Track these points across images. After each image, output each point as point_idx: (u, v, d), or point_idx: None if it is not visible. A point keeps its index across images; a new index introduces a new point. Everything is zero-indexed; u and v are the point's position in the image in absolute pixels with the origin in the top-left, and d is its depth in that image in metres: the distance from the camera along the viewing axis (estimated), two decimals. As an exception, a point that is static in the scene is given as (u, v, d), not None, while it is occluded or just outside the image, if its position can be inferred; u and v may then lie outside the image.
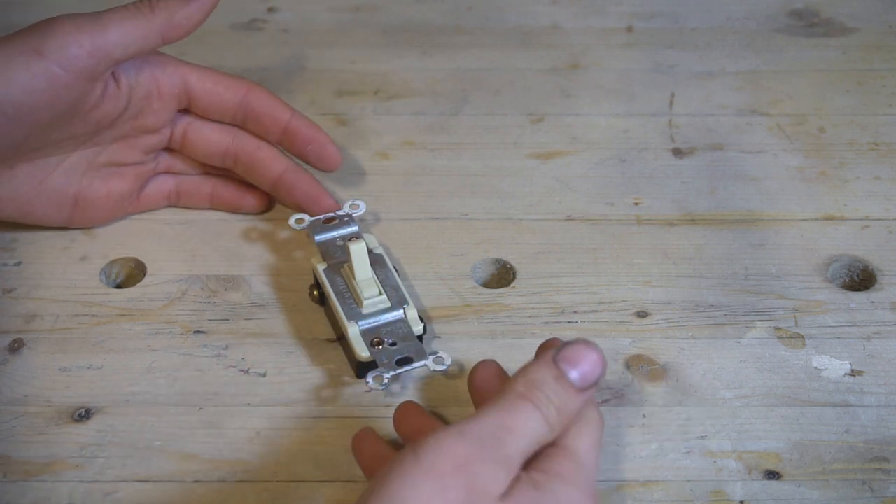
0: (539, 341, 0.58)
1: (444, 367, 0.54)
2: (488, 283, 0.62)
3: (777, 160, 0.69)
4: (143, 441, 0.54)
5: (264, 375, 0.57)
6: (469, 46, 0.78)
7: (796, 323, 0.59)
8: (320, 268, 0.58)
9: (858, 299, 0.61)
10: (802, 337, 0.59)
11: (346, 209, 0.61)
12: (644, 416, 0.55)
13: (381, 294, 0.57)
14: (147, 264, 0.62)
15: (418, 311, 0.57)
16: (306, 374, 0.57)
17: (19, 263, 0.62)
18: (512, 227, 0.65)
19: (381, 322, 0.56)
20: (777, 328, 0.59)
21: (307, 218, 0.60)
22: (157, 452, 0.53)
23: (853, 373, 0.57)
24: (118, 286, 0.62)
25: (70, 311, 0.60)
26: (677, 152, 0.70)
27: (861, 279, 0.62)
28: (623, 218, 0.65)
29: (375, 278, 0.57)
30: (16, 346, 0.58)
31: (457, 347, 0.58)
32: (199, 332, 0.59)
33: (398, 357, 0.55)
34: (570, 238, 0.64)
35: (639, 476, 0.53)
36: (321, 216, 0.61)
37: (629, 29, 0.79)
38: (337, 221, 0.60)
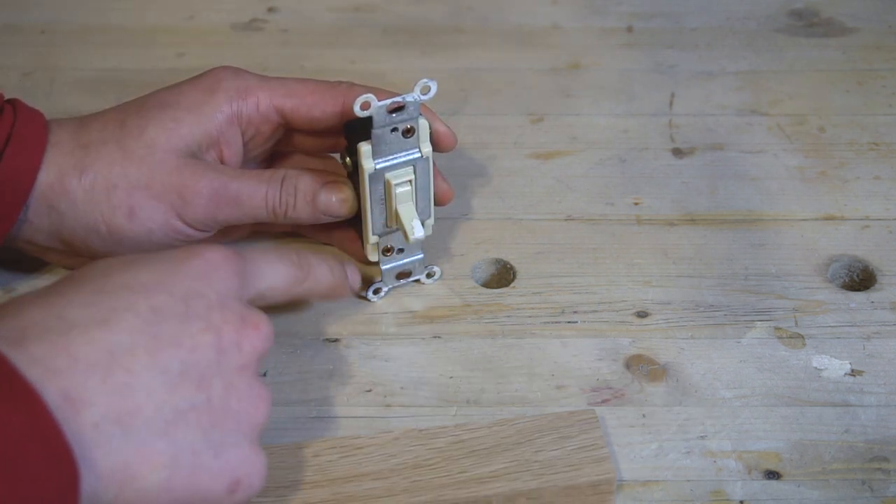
0: (539, 341, 0.58)
1: (433, 280, 0.61)
2: (488, 283, 0.62)
3: (777, 160, 0.69)
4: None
5: (265, 375, 0.57)
6: (469, 46, 0.78)
7: (796, 323, 0.59)
8: (368, 166, 0.56)
9: (858, 299, 0.61)
10: (802, 337, 0.59)
11: (416, 93, 0.55)
12: (644, 416, 0.55)
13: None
14: (147, 264, 0.62)
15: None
16: (306, 374, 0.57)
17: (19, 260, 0.62)
18: (512, 227, 0.65)
19: (398, 232, 0.59)
20: (777, 328, 0.59)
21: (373, 101, 0.54)
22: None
23: (853, 373, 0.57)
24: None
25: (70, 311, 0.59)
26: (677, 152, 0.70)
27: (861, 279, 0.62)
28: (623, 218, 0.65)
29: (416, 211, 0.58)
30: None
31: (457, 347, 0.58)
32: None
33: (398, 271, 0.60)
34: (570, 238, 0.64)
35: (639, 476, 0.53)
36: (387, 101, 0.54)
37: (629, 29, 0.79)
38: (403, 110, 0.55)
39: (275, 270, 0.51)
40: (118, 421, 0.42)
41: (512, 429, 0.52)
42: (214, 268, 0.47)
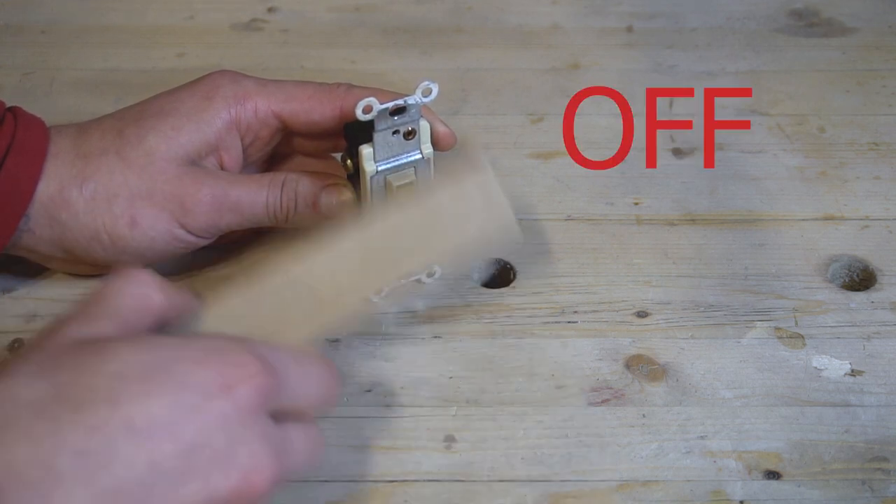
0: (539, 341, 0.58)
1: (433, 280, 0.58)
2: (488, 283, 0.62)
3: (777, 160, 0.69)
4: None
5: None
6: (469, 46, 0.78)
7: (796, 323, 0.59)
8: (369, 168, 0.56)
9: (858, 299, 0.61)
10: (802, 337, 0.59)
11: (417, 95, 0.55)
12: (644, 416, 0.55)
13: None
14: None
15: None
16: (306, 374, 0.57)
17: (19, 262, 0.62)
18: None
19: None
20: (777, 328, 0.59)
21: (375, 105, 0.54)
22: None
23: (853, 373, 0.57)
24: (118, 286, 0.62)
25: (70, 311, 0.59)
26: (677, 152, 0.70)
27: (861, 279, 0.62)
28: (623, 218, 0.65)
29: None
30: (16, 346, 0.58)
31: (457, 347, 0.58)
32: (199, 332, 0.59)
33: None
34: (570, 238, 0.64)
35: (639, 476, 0.53)
36: (389, 104, 0.54)
37: (629, 29, 0.79)
38: (405, 112, 0.55)
39: (310, 384, 0.47)
40: None
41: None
42: (241, 380, 0.43)
